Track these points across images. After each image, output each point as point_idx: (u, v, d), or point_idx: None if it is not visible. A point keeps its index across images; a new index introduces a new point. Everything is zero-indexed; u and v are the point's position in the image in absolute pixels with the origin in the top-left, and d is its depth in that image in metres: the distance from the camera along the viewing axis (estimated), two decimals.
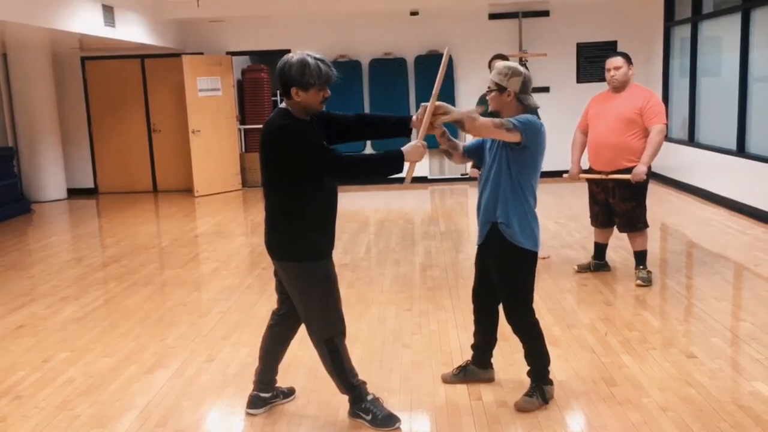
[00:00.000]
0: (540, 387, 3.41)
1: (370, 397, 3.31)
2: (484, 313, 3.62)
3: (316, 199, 3.11)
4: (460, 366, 3.74)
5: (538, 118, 3.37)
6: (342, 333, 3.24)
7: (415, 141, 3.11)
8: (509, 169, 3.29)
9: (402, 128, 3.30)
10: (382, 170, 3.12)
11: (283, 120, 3.06)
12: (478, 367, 3.69)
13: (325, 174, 3.08)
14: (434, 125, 3.19)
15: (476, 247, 3.55)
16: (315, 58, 3.04)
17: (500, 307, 3.51)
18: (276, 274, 3.32)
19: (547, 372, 3.46)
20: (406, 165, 3.14)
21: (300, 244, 3.11)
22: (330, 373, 3.29)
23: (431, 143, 3.47)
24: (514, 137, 3.20)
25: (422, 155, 3.10)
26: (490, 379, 3.69)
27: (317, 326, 3.21)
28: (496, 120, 3.22)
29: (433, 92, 3.21)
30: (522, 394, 3.43)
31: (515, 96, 3.31)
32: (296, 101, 3.06)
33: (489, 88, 3.36)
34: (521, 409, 3.37)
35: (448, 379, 3.71)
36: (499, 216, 3.33)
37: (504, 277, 3.40)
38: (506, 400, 3.48)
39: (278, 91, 13.36)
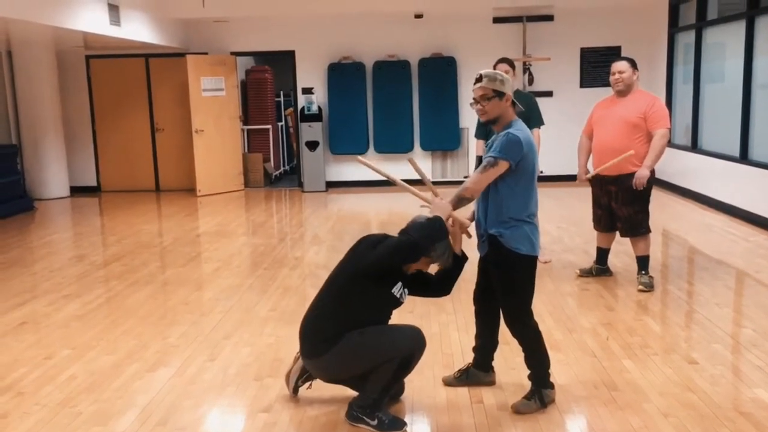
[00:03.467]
0: (539, 390, 3.41)
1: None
2: (485, 316, 3.63)
3: (376, 317, 3.36)
4: (461, 369, 3.75)
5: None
6: (419, 349, 3.33)
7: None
8: (495, 183, 3.31)
9: (458, 262, 3.53)
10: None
11: None
12: (479, 370, 3.70)
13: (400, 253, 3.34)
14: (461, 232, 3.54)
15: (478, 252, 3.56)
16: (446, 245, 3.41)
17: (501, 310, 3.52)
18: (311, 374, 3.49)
19: (548, 375, 3.46)
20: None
21: (337, 334, 3.24)
22: (380, 381, 3.24)
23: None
24: (504, 166, 3.25)
25: (449, 209, 3.36)
26: (491, 383, 3.69)
27: (393, 354, 3.24)
28: (479, 168, 3.32)
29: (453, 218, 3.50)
30: (521, 397, 3.44)
31: (511, 99, 3.34)
32: (414, 266, 3.41)
33: (484, 96, 3.31)
34: (518, 411, 3.38)
35: (449, 382, 3.72)
36: (491, 227, 3.36)
37: (503, 282, 3.40)
38: (507, 403, 3.48)
39: (281, 93, 13.36)
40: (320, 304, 3.35)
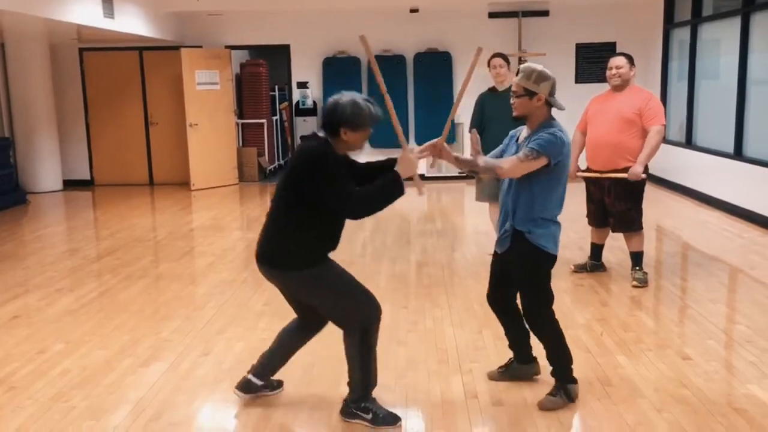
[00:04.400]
0: (564, 386, 3.41)
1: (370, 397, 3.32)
2: (505, 312, 3.61)
3: (331, 218, 3.16)
4: (505, 364, 3.73)
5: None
6: (378, 319, 3.23)
7: (403, 152, 3.11)
8: (529, 180, 3.29)
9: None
10: (386, 198, 3.10)
11: (324, 148, 3.10)
12: (521, 363, 3.68)
13: (337, 212, 3.12)
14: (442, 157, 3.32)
15: (493, 252, 3.57)
16: (365, 100, 3.12)
17: (518, 303, 3.51)
18: (283, 292, 3.35)
19: (570, 370, 3.45)
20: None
21: (304, 254, 3.14)
22: (356, 364, 3.24)
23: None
24: (542, 162, 3.23)
25: (416, 165, 3.13)
26: (535, 374, 3.66)
27: (352, 319, 3.20)
28: (521, 155, 3.25)
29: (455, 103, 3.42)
30: (546, 394, 3.43)
31: (545, 100, 3.29)
32: (343, 140, 3.13)
33: (515, 92, 3.31)
34: (545, 408, 3.36)
35: (493, 377, 3.70)
36: (519, 224, 3.33)
37: (526, 279, 3.39)
38: (501, 398, 3.49)
39: (276, 87, 13.34)
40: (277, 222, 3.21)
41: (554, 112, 3.39)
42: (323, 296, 3.20)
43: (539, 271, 3.37)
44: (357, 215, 3.15)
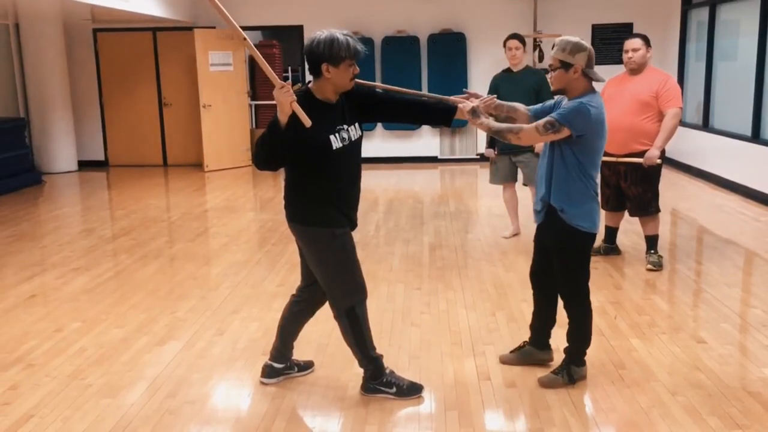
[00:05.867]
0: (569, 366, 3.42)
1: (387, 371, 3.35)
2: (543, 294, 3.57)
3: (316, 173, 3.09)
4: (518, 347, 3.72)
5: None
6: (362, 301, 3.25)
7: (275, 90, 2.83)
8: (562, 155, 3.24)
9: (446, 117, 3.35)
10: (268, 139, 2.94)
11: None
12: (535, 347, 3.66)
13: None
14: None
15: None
16: (343, 34, 3.03)
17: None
18: (299, 249, 3.36)
19: (583, 354, 3.45)
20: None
21: (305, 211, 3.16)
22: (350, 344, 3.31)
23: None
24: (564, 133, 3.17)
25: (287, 99, 2.80)
26: (547, 360, 3.63)
27: (337, 295, 3.22)
28: (540, 124, 3.20)
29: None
30: (550, 372, 3.46)
31: (582, 72, 3.22)
32: (327, 78, 3.02)
33: (551, 66, 3.25)
34: (543, 384, 3.40)
35: (505, 360, 3.68)
36: (554, 200, 3.29)
37: (561, 260, 3.36)
38: (515, 380, 3.49)
39: (290, 69, 13.32)
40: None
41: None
42: (317, 260, 3.21)
43: (575, 251, 3.32)
44: (257, 164, 3.06)
